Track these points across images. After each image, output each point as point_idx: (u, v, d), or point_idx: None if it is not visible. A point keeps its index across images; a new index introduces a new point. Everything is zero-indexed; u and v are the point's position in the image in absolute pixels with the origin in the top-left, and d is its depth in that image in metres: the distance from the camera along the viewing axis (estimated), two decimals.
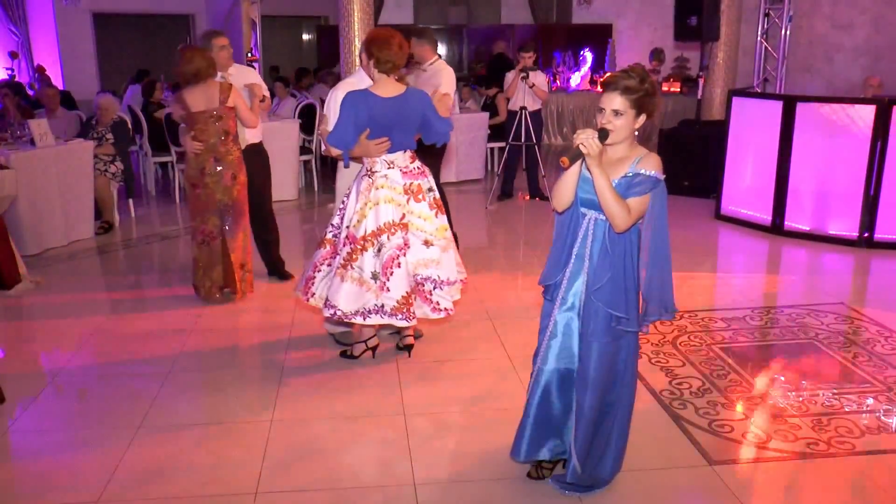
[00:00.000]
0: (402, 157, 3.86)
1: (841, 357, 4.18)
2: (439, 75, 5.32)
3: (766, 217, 6.83)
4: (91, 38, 13.83)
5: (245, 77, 5.24)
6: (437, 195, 3.99)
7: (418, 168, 3.92)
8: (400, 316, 3.82)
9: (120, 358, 4.24)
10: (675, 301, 2.78)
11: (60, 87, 11.71)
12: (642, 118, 2.61)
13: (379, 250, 3.80)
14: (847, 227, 6.37)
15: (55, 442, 3.34)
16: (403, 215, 3.84)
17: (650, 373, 3.97)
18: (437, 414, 3.59)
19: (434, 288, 3.94)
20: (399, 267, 3.82)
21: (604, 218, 2.63)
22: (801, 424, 3.44)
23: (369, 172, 3.85)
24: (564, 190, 2.67)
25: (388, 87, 3.81)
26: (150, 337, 4.51)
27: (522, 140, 7.76)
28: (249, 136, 5.18)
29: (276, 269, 5.53)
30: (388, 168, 3.83)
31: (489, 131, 9.33)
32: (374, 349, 4.18)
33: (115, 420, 3.53)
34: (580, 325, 2.75)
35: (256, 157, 5.24)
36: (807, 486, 3.01)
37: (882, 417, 3.50)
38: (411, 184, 3.86)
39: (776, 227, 6.74)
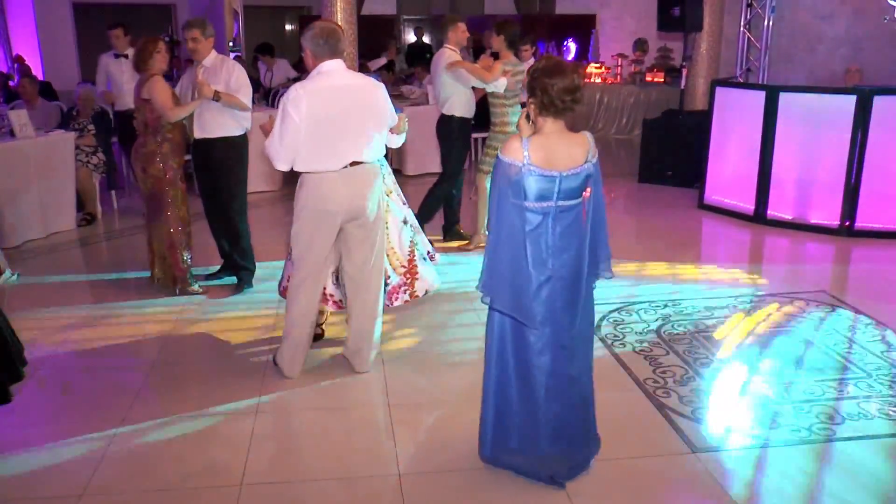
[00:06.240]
0: None
1: (822, 344, 4.22)
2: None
3: (748, 206, 6.87)
4: (71, 28, 13.63)
5: (217, 71, 4.75)
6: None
7: None
8: None
9: (103, 351, 4.21)
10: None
11: (40, 78, 11.55)
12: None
13: None
14: (828, 215, 6.42)
15: (39, 435, 3.31)
16: None
17: (634, 362, 4.00)
18: (423, 403, 3.59)
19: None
20: None
21: None
22: (782, 411, 3.48)
23: None
24: None
25: None
26: (134, 329, 4.48)
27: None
28: (210, 129, 4.78)
29: (234, 272, 5.13)
30: None
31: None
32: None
33: (99, 413, 3.50)
34: None
35: (221, 152, 4.83)
36: (789, 472, 3.04)
37: (862, 404, 3.55)
38: None
39: (759, 216, 6.78)
